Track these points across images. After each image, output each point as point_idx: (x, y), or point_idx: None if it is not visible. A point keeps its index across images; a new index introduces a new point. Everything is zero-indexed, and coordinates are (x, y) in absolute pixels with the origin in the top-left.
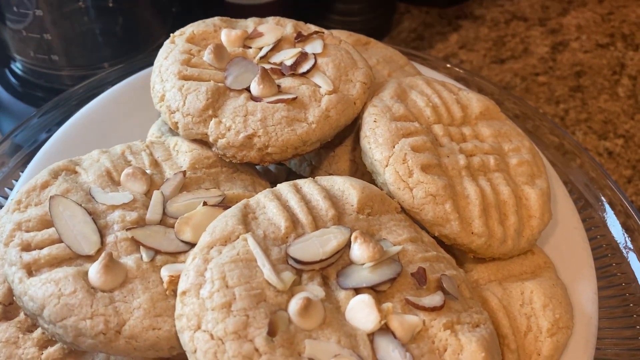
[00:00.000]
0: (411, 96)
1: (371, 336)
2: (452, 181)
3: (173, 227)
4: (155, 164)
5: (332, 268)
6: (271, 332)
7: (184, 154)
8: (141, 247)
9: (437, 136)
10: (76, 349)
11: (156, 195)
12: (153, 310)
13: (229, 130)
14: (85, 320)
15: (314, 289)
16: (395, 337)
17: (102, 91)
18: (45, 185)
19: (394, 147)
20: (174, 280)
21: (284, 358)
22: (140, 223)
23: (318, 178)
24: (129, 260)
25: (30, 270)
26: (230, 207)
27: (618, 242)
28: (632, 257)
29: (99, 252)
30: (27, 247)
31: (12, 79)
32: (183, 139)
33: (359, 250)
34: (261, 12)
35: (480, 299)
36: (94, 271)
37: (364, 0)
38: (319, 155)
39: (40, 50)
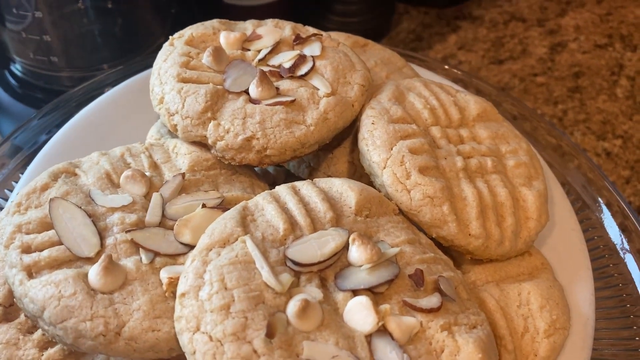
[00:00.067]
0: (409, 98)
1: (369, 337)
2: (449, 183)
3: (172, 229)
4: (154, 166)
5: (330, 270)
6: (269, 334)
7: (183, 156)
8: (140, 249)
9: (434, 138)
10: (76, 350)
11: (155, 197)
12: (152, 312)
13: (227, 132)
14: (85, 321)
15: (312, 291)
16: (392, 338)
17: (102, 93)
18: (45, 188)
19: (391, 149)
20: (173, 282)
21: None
22: (140, 225)
23: (316, 180)
24: (128, 262)
25: (31, 272)
26: (229, 209)
27: (615, 243)
28: (629, 258)
29: (98, 254)
30: (27, 250)
31: (12, 81)
32: (182, 141)
33: (357, 252)
34: (260, 12)
35: (478, 300)
36: (94, 273)
37: (363, 1)
38: (318, 157)
39: (39, 52)
